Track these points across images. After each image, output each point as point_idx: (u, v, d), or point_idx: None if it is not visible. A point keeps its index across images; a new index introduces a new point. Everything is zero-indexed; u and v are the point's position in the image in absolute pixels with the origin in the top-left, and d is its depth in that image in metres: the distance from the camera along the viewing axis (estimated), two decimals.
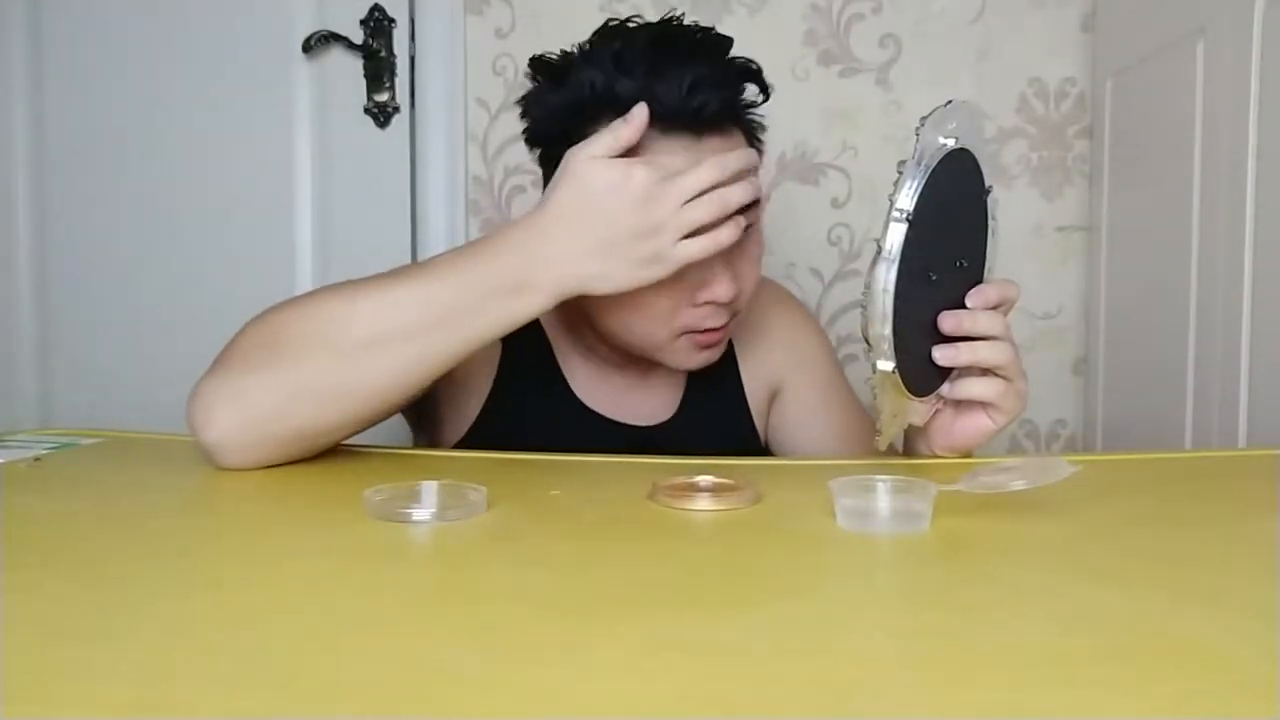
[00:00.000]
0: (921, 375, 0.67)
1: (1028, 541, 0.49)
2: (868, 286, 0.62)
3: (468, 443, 0.86)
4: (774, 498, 0.57)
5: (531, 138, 0.80)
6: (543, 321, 0.89)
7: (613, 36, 0.76)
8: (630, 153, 0.69)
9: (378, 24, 1.40)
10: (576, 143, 0.69)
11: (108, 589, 0.41)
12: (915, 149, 0.62)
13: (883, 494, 0.52)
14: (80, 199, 1.45)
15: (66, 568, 0.44)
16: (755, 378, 0.94)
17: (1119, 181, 1.28)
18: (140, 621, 0.37)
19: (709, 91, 0.72)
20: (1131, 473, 0.70)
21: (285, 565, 0.45)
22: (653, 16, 0.80)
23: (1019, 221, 1.40)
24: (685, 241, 0.67)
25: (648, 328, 0.77)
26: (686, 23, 0.77)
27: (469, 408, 0.87)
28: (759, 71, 0.79)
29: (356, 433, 0.71)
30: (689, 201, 0.67)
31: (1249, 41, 0.93)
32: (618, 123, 0.68)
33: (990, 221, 0.69)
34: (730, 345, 0.92)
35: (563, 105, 0.75)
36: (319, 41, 1.39)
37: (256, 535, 0.52)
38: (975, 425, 0.70)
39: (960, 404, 0.70)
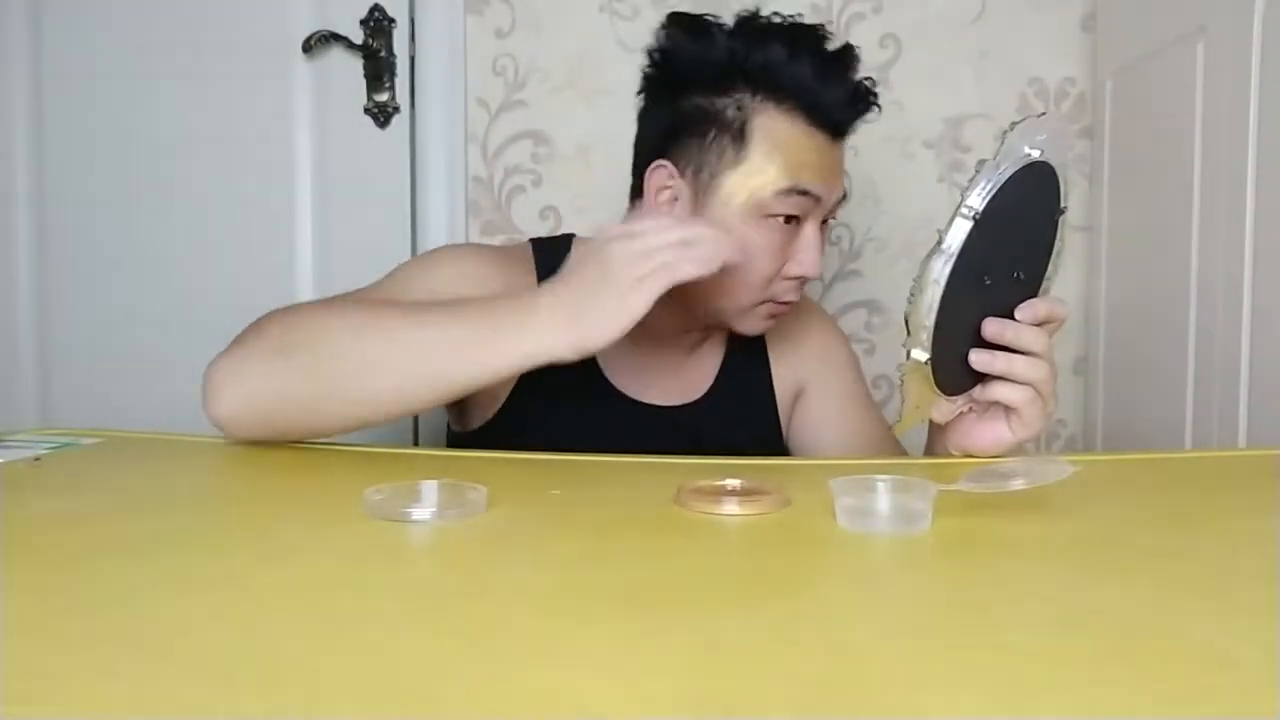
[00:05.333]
0: (953, 374, 0.67)
1: (1028, 541, 0.49)
2: (919, 275, 0.62)
3: (496, 422, 0.89)
4: None
5: (656, 80, 0.85)
6: None
7: (756, 20, 0.81)
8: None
9: (378, 24, 1.40)
10: (703, 93, 0.80)
11: (107, 589, 0.41)
12: (998, 151, 0.62)
13: (883, 494, 0.52)
14: (80, 199, 1.45)
15: (66, 567, 0.44)
16: (783, 378, 0.98)
17: (1119, 181, 1.28)
18: (139, 621, 0.37)
19: (859, 107, 0.81)
20: (1131, 473, 0.70)
21: (285, 564, 0.45)
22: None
23: None
24: (650, 276, 0.69)
25: (744, 293, 0.83)
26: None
27: (500, 387, 0.89)
28: (869, 92, 0.84)
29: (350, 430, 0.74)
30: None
31: (1249, 41, 0.93)
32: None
33: (1058, 242, 0.69)
34: (763, 342, 0.97)
35: (709, 63, 0.80)
36: (319, 41, 1.39)
37: (256, 534, 0.52)
38: (994, 433, 0.71)
39: (985, 410, 0.71)
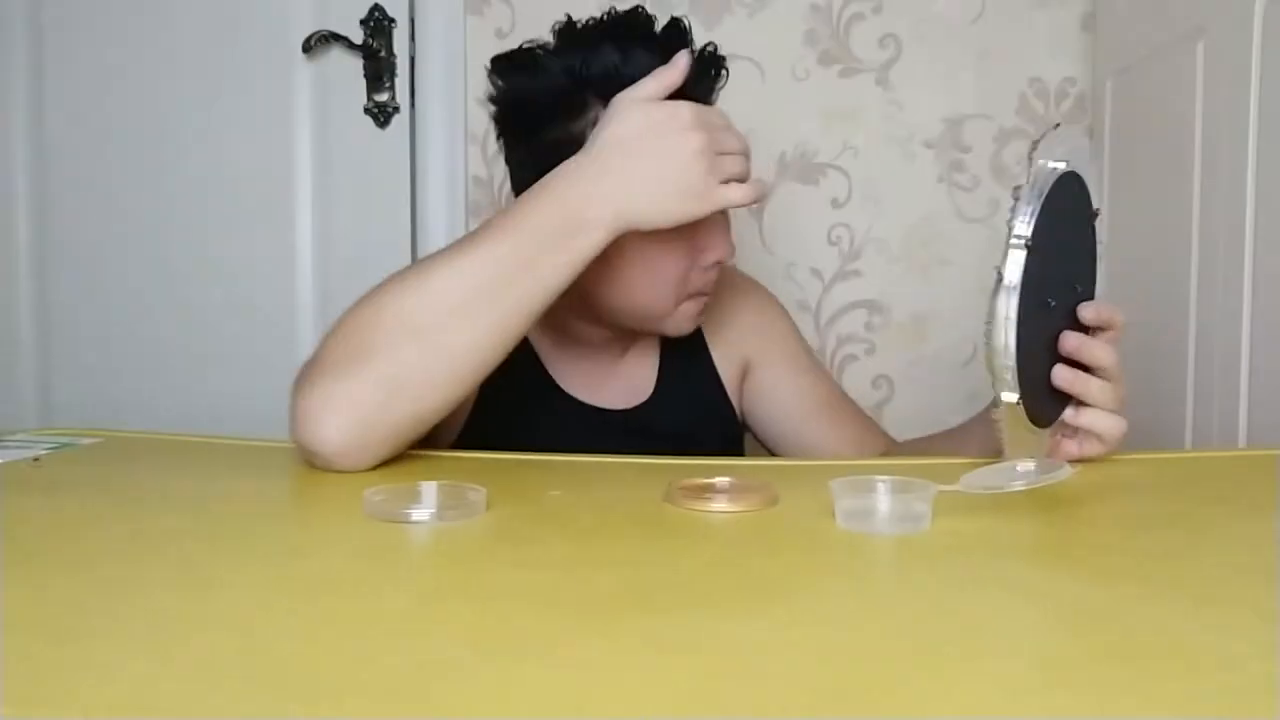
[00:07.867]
0: (1041, 404, 0.66)
1: (1028, 541, 0.49)
2: (990, 317, 0.61)
3: (459, 446, 0.86)
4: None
5: (507, 124, 0.85)
6: None
7: (577, 30, 0.82)
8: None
9: (378, 24, 1.40)
10: (558, 122, 0.78)
11: (107, 589, 0.41)
12: (1029, 174, 0.62)
13: (883, 494, 0.52)
14: (80, 199, 1.45)
15: (66, 568, 0.44)
16: (725, 357, 0.98)
17: (1119, 181, 1.28)
18: (139, 621, 0.37)
19: (710, 73, 0.80)
20: (1131, 473, 0.70)
21: (285, 565, 0.45)
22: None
23: None
24: (727, 186, 0.70)
25: (660, 292, 0.81)
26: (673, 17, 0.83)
27: (459, 414, 0.86)
28: (721, 57, 0.82)
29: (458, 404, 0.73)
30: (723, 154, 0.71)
31: (1249, 41, 0.93)
32: (661, 69, 0.71)
33: (1099, 246, 0.69)
34: (698, 328, 0.95)
35: (544, 90, 0.80)
36: (319, 41, 1.39)
37: (256, 535, 0.52)
38: (1071, 452, 0.69)
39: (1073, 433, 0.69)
